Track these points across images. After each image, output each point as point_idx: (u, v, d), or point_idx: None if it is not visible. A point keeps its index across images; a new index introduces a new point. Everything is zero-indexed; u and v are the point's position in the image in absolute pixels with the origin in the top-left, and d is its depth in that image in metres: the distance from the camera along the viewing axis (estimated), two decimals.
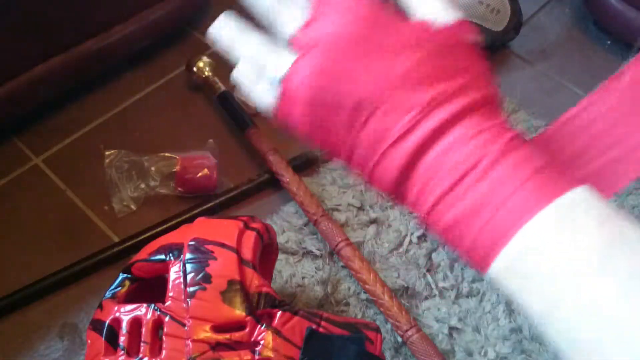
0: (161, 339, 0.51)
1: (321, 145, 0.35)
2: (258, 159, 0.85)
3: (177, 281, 0.52)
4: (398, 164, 0.31)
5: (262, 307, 0.51)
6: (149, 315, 0.51)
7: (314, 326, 0.51)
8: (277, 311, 0.51)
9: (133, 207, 0.82)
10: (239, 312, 0.50)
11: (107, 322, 0.53)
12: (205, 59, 0.94)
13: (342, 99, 0.32)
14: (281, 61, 0.34)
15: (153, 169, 0.83)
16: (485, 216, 0.30)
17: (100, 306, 0.55)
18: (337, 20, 0.32)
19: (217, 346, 0.49)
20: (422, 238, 0.78)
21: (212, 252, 0.53)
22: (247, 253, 0.54)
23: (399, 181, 0.32)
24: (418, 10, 0.34)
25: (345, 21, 0.32)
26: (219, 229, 0.55)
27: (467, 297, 0.74)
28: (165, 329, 0.51)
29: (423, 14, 0.34)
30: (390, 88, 0.31)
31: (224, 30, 0.38)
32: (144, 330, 0.51)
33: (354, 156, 0.33)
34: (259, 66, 0.36)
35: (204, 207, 0.81)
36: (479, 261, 0.31)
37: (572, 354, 0.29)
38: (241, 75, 0.38)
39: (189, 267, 0.52)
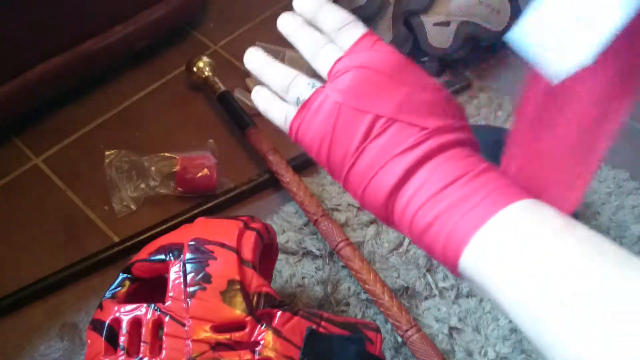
0: (161, 339, 0.51)
1: (326, 161, 0.40)
2: (258, 159, 0.86)
3: (177, 281, 0.52)
4: (402, 168, 0.37)
5: (262, 307, 0.51)
6: (149, 315, 0.52)
7: (314, 326, 0.51)
8: (277, 311, 0.51)
9: (133, 207, 0.82)
10: (239, 312, 0.50)
11: (107, 322, 0.53)
12: (205, 59, 0.94)
13: (364, 113, 0.38)
14: (306, 85, 0.41)
15: (153, 169, 0.83)
16: (455, 217, 0.34)
17: (100, 306, 0.55)
18: (370, 55, 0.39)
19: (217, 346, 0.49)
20: None
21: (212, 252, 0.53)
22: (247, 253, 0.54)
23: (397, 185, 0.37)
24: None
25: (378, 56, 0.39)
26: (219, 229, 0.55)
27: (467, 297, 0.74)
28: (165, 329, 0.51)
29: None
30: (410, 111, 0.38)
31: (255, 59, 0.45)
32: (144, 330, 0.51)
33: (354, 170, 0.39)
34: (281, 87, 0.43)
35: (204, 207, 0.81)
36: (450, 258, 0.35)
37: (539, 340, 0.32)
38: (260, 96, 0.44)
39: (189, 267, 0.52)
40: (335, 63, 0.40)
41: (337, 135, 0.39)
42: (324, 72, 0.41)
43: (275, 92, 0.44)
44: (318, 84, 0.41)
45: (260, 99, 0.45)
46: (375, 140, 0.38)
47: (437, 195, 0.35)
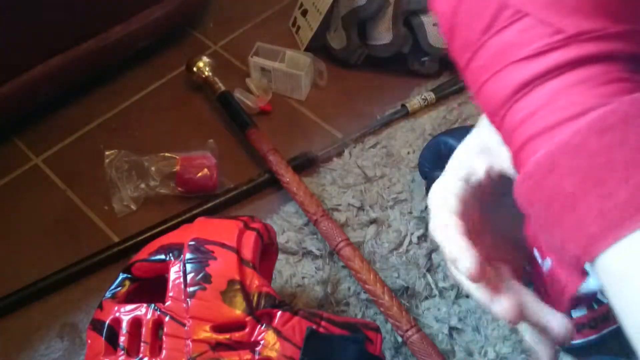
0: (161, 339, 0.51)
1: (450, 45, 0.33)
2: (258, 159, 0.86)
3: (177, 281, 0.52)
4: (519, 79, 0.29)
5: (262, 307, 0.51)
6: (149, 315, 0.51)
7: (314, 326, 0.51)
8: (277, 311, 0.51)
9: (133, 207, 0.82)
10: (239, 312, 0.50)
11: (107, 322, 0.53)
12: (205, 59, 0.94)
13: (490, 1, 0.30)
14: None
15: (153, 169, 0.83)
16: (593, 178, 0.26)
17: (100, 306, 0.55)
18: None
19: (217, 346, 0.49)
20: (422, 238, 0.78)
21: (212, 252, 0.53)
22: (247, 253, 0.54)
23: (505, 103, 0.30)
24: None
25: None
26: (219, 229, 0.55)
27: (467, 297, 0.74)
28: (165, 329, 0.51)
29: None
30: (548, 3, 0.28)
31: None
32: (144, 330, 0.51)
33: (471, 66, 0.32)
34: None
35: (204, 207, 0.81)
36: (579, 241, 0.27)
37: None
38: None
39: (189, 267, 0.52)
40: None
41: (461, 20, 0.31)
42: None
43: None
44: None
45: None
46: (498, 35, 0.30)
47: (553, 130, 0.27)
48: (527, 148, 0.29)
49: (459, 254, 0.36)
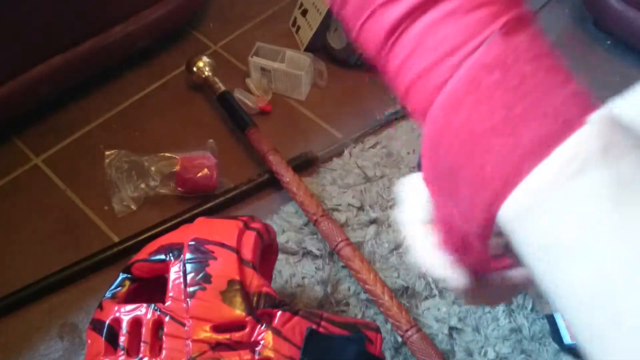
0: (161, 339, 0.51)
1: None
2: (258, 159, 0.85)
3: (177, 281, 0.52)
4: (391, 20, 0.28)
5: (262, 307, 0.51)
6: (149, 315, 0.51)
7: (314, 326, 0.51)
8: (277, 311, 0.51)
9: (133, 207, 0.82)
10: (239, 312, 0.50)
11: (107, 322, 0.53)
12: (205, 59, 0.94)
13: None
14: None
15: (153, 169, 0.83)
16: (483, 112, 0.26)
17: (100, 306, 0.55)
18: None
19: (217, 346, 0.49)
20: None
21: (212, 252, 0.53)
22: (247, 253, 0.54)
23: (386, 41, 0.29)
24: None
25: None
26: (219, 229, 0.55)
27: None
28: (165, 329, 0.51)
29: None
30: None
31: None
32: (144, 330, 0.51)
33: (344, 13, 0.31)
34: None
35: (204, 207, 0.81)
36: (480, 186, 0.26)
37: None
38: None
39: (189, 267, 0.52)
40: None
41: None
42: None
43: None
44: None
45: None
46: None
47: (434, 68, 0.27)
48: (412, 93, 0.28)
49: (445, 272, 0.36)
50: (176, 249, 0.54)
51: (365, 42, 0.30)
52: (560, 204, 0.24)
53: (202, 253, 0.53)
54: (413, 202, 0.35)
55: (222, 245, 0.53)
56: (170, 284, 0.52)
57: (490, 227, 0.27)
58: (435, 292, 0.74)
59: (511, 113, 0.25)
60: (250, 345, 0.50)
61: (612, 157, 0.24)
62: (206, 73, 0.93)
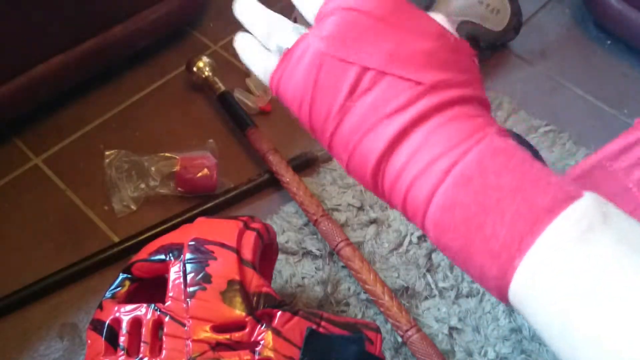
0: (161, 339, 0.51)
1: (308, 119, 0.35)
2: (258, 159, 0.85)
3: (177, 281, 0.52)
4: (383, 142, 0.31)
5: (262, 307, 0.51)
6: (149, 315, 0.51)
7: (314, 326, 0.51)
8: (277, 311, 0.51)
9: (133, 207, 0.82)
10: (239, 312, 0.50)
11: (107, 322, 0.53)
12: (205, 59, 0.94)
13: (349, 65, 0.32)
14: (291, 32, 0.35)
15: (153, 169, 0.83)
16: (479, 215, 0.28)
17: (100, 306, 0.55)
18: None
19: (217, 346, 0.49)
20: (422, 238, 0.78)
21: (212, 252, 0.53)
22: (247, 253, 0.54)
23: (387, 151, 0.32)
24: None
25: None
26: (219, 229, 0.55)
27: (467, 297, 0.74)
28: (165, 329, 0.51)
29: None
30: (404, 62, 0.32)
31: (243, 6, 0.40)
32: (144, 330, 0.51)
33: (339, 131, 0.33)
34: (264, 34, 0.37)
35: (204, 207, 0.81)
36: (491, 286, 0.28)
37: None
38: (242, 43, 0.39)
39: (189, 267, 0.52)
40: (323, 5, 0.34)
41: (320, 90, 0.33)
42: (310, 16, 0.35)
43: (260, 41, 0.38)
44: (304, 30, 0.35)
45: (241, 48, 0.39)
46: (362, 97, 0.32)
47: (435, 163, 0.30)
48: (411, 194, 0.31)
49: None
50: (176, 249, 0.54)
51: (360, 160, 0.33)
52: (569, 266, 0.26)
53: (202, 253, 0.53)
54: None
55: (222, 245, 0.53)
56: (170, 284, 0.52)
57: (506, 298, 0.28)
58: (435, 292, 0.74)
59: (514, 192, 0.28)
60: (250, 346, 0.50)
61: (611, 221, 0.26)
62: (206, 73, 0.93)
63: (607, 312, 0.24)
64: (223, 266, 0.52)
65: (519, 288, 0.27)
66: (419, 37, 0.32)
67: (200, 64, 0.93)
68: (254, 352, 0.49)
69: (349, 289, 0.75)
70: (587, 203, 0.27)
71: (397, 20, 0.33)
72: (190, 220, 0.60)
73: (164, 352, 0.50)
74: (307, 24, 0.37)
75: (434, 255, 0.77)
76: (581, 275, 0.25)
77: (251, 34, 0.39)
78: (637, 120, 0.41)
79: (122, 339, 0.52)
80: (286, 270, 0.75)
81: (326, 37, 0.33)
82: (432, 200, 0.30)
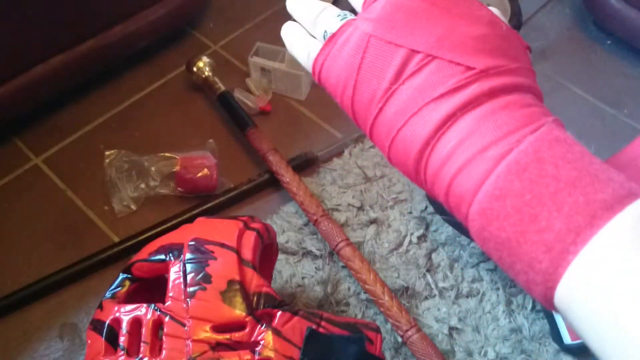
0: (161, 339, 0.51)
1: (350, 104, 0.34)
2: (258, 159, 0.86)
3: (177, 281, 0.52)
4: (441, 116, 0.30)
5: (262, 307, 0.51)
6: (149, 315, 0.51)
7: (314, 326, 0.51)
8: (277, 311, 0.51)
9: (133, 207, 0.82)
10: (239, 312, 0.50)
11: (107, 322, 0.53)
12: (205, 59, 0.94)
13: (397, 47, 0.31)
14: (336, 18, 0.34)
15: (153, 169, 0.83)
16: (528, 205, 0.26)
17: (100, 306, 0.55)
18: None
19: (217, 346, 0.49)
20: (422, 238, 0.78)
21: (212, 252, 0.53)
22: (247, 253, 0.54)
23: (433, 136, 0.30)
24: None
25: None
26: (219, 229, 0.55)
27: (467, 297, 0.74)
28: (165, 329, 0.51)
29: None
30: (454, 46, 0.30)
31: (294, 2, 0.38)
32: (144, 330, 0.51)
33: (382, 115, 0.32)
34: (310, 21, 0.36)
35: (204, 207, 0.81)
36: (538, 280, 0.26)
37: None
38: (287, 29, 0.38)
39: (189, 267, 0.52)
40: None
41: (365, 73, 0.32)
42: (358, 3, 0.35)
43: (305, 29, 0.37)
44: (350, 16, 0.35)
45: (285, 33, 0.38)
46: (409, 80, 0.31)
47: (487, 150, 0.28)
48: (457, 181, 0.29)
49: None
50: (176, 249, 0.54)
51: (407, 139, 0.31)
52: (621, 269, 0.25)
53: (202, 253, 0.53)
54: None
55: (222, 245, 0.53)
56: (170, 284, 0.52)
57: (551, 297, 0.27)
58: (435, 292, 0.74)
59: (568, 187, 0.26)
60: (250, 346, 0.50)
61: None
62: (206, 73, 0.93)
63: None
64: (223, 266, 0.52)
65: (571, 284, 0.26)
66: (470, 22, 0.31)
67: (200, 64, 0.93)
68: (254, 352, 0.49)
69: (349, 289, 0.75)
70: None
71: (448, 4, 0.32)
72: (190, 220, 0.60)
73: (164, 352, 0.50)
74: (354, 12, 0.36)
75: (434, 255, 0.77)
76: (636, 275, 0.24)
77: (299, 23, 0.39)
78: None
79: (122, 339, 0.52)
80: (286, 270, 0.75)
81: (374, 19, 0.32)
82: (480, 188, 0.28)
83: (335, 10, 0.36)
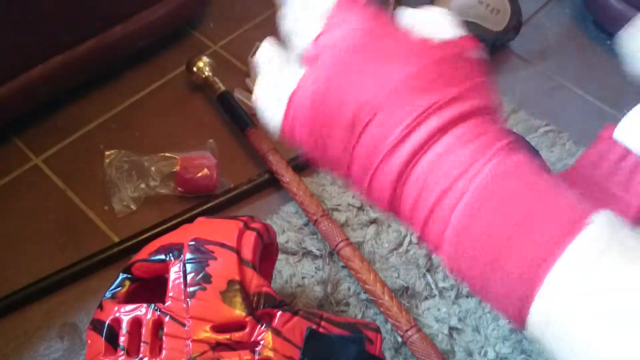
0: (161, 339, 0.51)
1: (322, 162, 0.35)
2: (258, 159, 0.85)
3: (177, 281, 0.52)
4: (391, 176, 0.31)
5: (262, 307, 0.51)
6: (149, 315, 0.51)
7: (314, 326, 0.51)
8: (277, 311, 0.51)
9: (133, 207, 0.82)
10: (239, 312, 0.50)
11: (107, 322, 0.53)
12: (205, 59, 0.94)
13: (343, 108, 0.31)
14: (292, 79, 0.34)
15: (153, 169, 0.83)
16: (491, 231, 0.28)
17: (100, 306, 0.55)
18: (340, 32, 0.33)
19: (217, 346, 0.49)
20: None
21: (212, 252, 0.53)
22: (247, 253, 0.54)
23: (394, 195, 0.31)
24: (423, 29, 0.33)
25: (348, 32, 0.32)
26: (219, 229, 0.55)
27: (467, 297, 0.74)
28: (165, 329, 0.51)
29: (428, 32, 0.33)
30: (390, 94, 0.30)
31: (263, 55, 0.39)
32: (144, 331, 0.51)
33: (351, 172, 0.33)
34: (275, 86, 0.36)
35: (204, 207, 0.81)
36: (512, 303, 0.27)
37: None
38: (260, 95, 0.37)
39: (189, 267, 0.52)
40: (309, 46, 0.34)
41: (325, 135, 0.33)
42: (301, 50, 0.35)
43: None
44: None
45: (261, 99, 0.37)
46: (364, 135, 0.31)
47: (440, 202, 0.29)
48: (430, 224, 0.30)
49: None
50: (176, 249, 0.54)
51: (376, 194, 0.32)
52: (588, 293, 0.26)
53: (202, 253, 0.53)
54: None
55: (222, 245, 0.53)
56: (170, 284, 0.52)
57: (523, 324, 0.28)
58: (435, 292, 0.74)
59: (527, 217, 0.27)
60: (250, 346, 0.50)
61: (620, 238, 0.26)
62: (206, 73, 0.93)
63: (631, 332, 0.24)
64: (223, 266, 0.52)
65: (538, 316, 0.27)
66: (405, 59, 0.31)
67: (200, 64, 0.93)
68: (254, 352, 0.49)
69: (349, 289, 0.75)
70: (601, 221, 0.27)
71: (381, 47, 0.32)
72: (190, 220, 0.60)
73: (164, 352, 0.50)
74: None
75: (434, 255, 0.77)
76: (602, 295, 0.25)
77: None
78: (604, 130, 0.42)
79: (122, 339, 0.52)
80: (286, 270, 0.75)
81: (318, 83, 0.32)
82: (443, 241, 0.30)
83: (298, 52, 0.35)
